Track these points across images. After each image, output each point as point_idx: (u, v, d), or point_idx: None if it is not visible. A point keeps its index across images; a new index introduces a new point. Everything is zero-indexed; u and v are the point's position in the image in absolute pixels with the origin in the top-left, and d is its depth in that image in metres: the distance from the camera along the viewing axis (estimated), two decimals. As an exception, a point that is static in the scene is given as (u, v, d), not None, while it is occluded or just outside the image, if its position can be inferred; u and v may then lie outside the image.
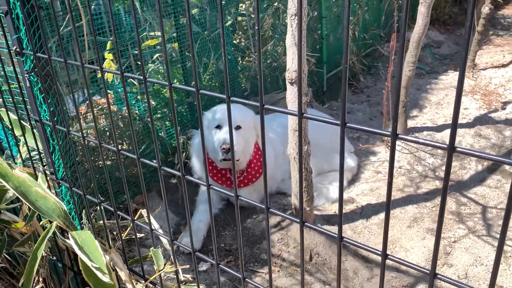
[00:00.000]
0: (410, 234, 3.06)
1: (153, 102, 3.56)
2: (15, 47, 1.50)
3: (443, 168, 3.74)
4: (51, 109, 1.53)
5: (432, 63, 5.90)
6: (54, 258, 2.00)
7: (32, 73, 1.48)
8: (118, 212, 1.46)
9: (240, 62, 3.98)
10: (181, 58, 3.38)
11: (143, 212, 1.63)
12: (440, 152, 3.89)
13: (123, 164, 3.25)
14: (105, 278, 1.33)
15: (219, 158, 3.02)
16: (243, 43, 3.83)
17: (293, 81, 2.66)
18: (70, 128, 1.51)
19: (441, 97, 4.82)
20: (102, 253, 1.40)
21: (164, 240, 1.60)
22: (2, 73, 1.66)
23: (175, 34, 3.37)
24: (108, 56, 3.30)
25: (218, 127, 3.09)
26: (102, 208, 1.52)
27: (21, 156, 1.80)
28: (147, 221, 1.44)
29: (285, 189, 3.52)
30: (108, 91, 3.36)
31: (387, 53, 5.37)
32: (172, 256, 1.43)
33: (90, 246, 1.39)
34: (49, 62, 1.33)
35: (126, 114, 3.21)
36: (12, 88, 1.69)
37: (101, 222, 1.73)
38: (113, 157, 3.19)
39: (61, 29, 2.86)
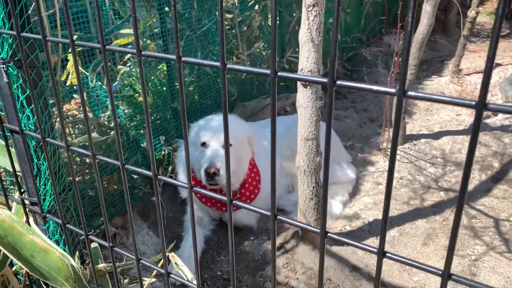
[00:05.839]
0: (427, 252, 2.77)
1: (126, 110, 3.09)
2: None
3: (445, 178, 3.50)
4: (34, 117, 1.08)
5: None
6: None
7: (11, 63, 1.02)
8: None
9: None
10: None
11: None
12: (440, 161, 3.67)
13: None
14: None
15: (203, 182, 2.57)
16: (231, 42, 3.42)
17: (307, 83, 2.31)
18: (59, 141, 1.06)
19: (429, 103, 4.64)
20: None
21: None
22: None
23: (157, 29, 2.92)
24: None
25: (204, 144, 2.65)
26: (113, 254, 1.08)
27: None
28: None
29: (284, 205, 3.15)
30: (76, 95, 2.85)
31: (370, 57, 5.15)
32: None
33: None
34: (44, 45, 0.88)
35: (103, 121, 2.71)
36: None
37: (101, 265, 1.30)
38: (88, 171, 2.69)
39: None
